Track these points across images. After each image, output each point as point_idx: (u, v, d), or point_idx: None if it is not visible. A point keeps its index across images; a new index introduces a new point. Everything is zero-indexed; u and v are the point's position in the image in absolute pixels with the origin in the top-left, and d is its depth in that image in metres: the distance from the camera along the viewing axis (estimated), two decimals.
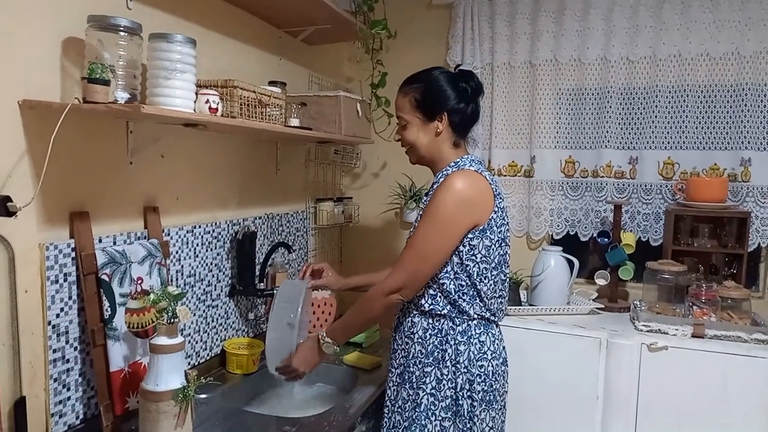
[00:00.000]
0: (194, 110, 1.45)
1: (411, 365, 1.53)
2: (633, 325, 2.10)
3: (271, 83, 1.92)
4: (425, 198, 1.61)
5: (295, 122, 1.90)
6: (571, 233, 2.55)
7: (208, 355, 1.88)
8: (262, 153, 2.18)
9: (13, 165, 1.23)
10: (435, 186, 1.52)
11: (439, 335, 1.50)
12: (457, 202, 1.43)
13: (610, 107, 2.42)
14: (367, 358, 2.00)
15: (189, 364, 1.78)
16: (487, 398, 1.49)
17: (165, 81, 1.38)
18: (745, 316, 2.03)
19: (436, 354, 1.50)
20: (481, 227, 1.46)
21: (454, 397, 1.48)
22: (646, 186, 2.43)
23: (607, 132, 2.43)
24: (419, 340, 1.53)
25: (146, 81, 1.41)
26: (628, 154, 2.44)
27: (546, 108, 2.52)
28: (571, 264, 2.30)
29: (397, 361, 1.59)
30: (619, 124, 2.44)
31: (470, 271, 1.47)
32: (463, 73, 1.57)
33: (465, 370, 1.48)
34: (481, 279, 1.48)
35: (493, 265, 1.50)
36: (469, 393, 1.48)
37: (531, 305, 2.29)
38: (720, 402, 1.89)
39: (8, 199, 1.20)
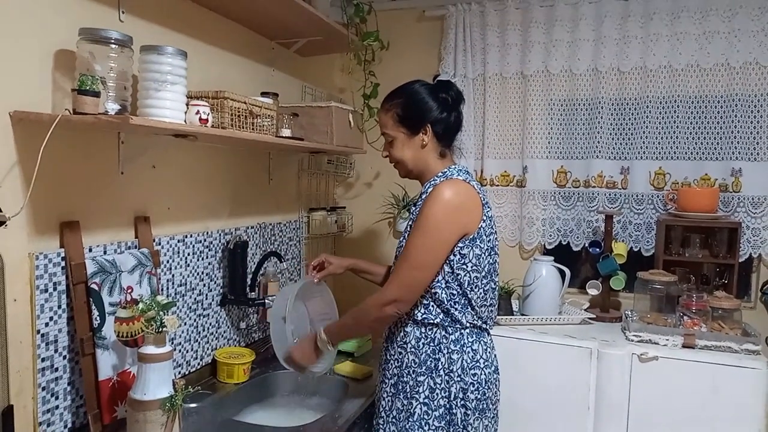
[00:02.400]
0: (185, 121, 1.47)
1: (404, 375, 1.53)
2: (624, 335, 2.10)
3: (264, 94, 1.93)
4: (414, 208, 1.62)
5: (286, 133, 1.92)
6: (563, 243, 2.56)
7: (198, 364, 1.88)
8: (254, 163, 2.20)
9: (4, 176, 1.25)
10: (423, 196, 1.53)
11: (432, 344, 1.51)
12: (446, 210, 1.44)
13: (602, 117, 2.44)
14: (359, 367, 2.00)
15: (180, 373, 1.79)
16: (480, 406, 1.50)
17: (155, 92, 1.39)
18: (736, 327, 2.03)
19: (429, 363, 1.50)
20: (471, 236, 1.47)
21: (447, 406, 1.49)
22: (637, 196, 2.44)
23: (599, 142, 2.45)
24: (412, 349, 1.53)
25: (137, 92, 1.43)
26: (620, 164, 2.45)
27: (538, 118, 2.54)
28: (562, 274, 2.30)
29: (390, 371, 1.59)
30: (611, 134, 2.45)
31: (461, 280, 1.48)
32: (442, 83, 1.59)
33: (458, 379, 1.48)
34: (471, 288, 1.49)
35: (483, 273, 1.51)
36: (462, 402, 1.48)
37: (522, 315, 2.29)
38: (710, 412, 1.88)
39: None
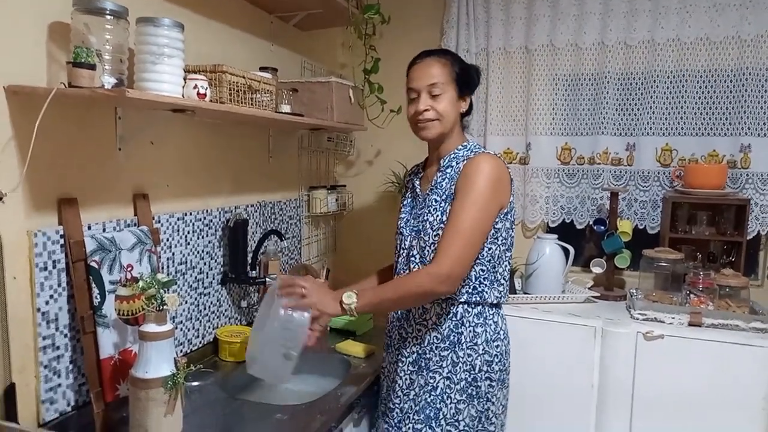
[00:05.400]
0: (182, 95, 1.43)
1: (427, 351, 1.53)
2: (629, 314, 2.09)
3: (262, 69, 1.90)
4: (417, 181, 1.61)
5: (286, 108, 1.89)
6: (567, 221, 2.53)
7: (200, 342, 1.87)
8: (254, 140, 2.16)
9: None
10: (447, 170, 1.52)
11: (454, 319, 1.51)
12: (492, 183, 1.43)
13: (607, 93, 2.39)
14: (361, 346, 1.99)
15: (181, 351, 1.78)
16: (502, 377, 1.53)
17: (152, 66, 1.37)
18: (744, 305, 2.01)
19: (452, 338, 1.50)
20: (505, 210, 1.49)
21: (469, 379, 1.49)
22: (643, 173, 2.41)
23: (604, 118, 2.41)
24: (434, 326, 1.52)
25: (134, 66, 1.40)
26: (625, 141, 2.41)
27: (542, 94, 2.49)
28: (566, 252, 2.28)
29: (408, 349, 1.57)
30: (617, 110, 2.41)
31: (492, 254, 1.49)
32: (472, 65, 1.61)
33: (483, 352, 1.50)
34: (500, 261, 1.51)
35: (507, 246, 1.53)
36: (487, 374, 1.50)
37: (526, 293, 2.28)
38: (716, 391, 1.87)
39: None
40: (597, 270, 2.36)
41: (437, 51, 1.55)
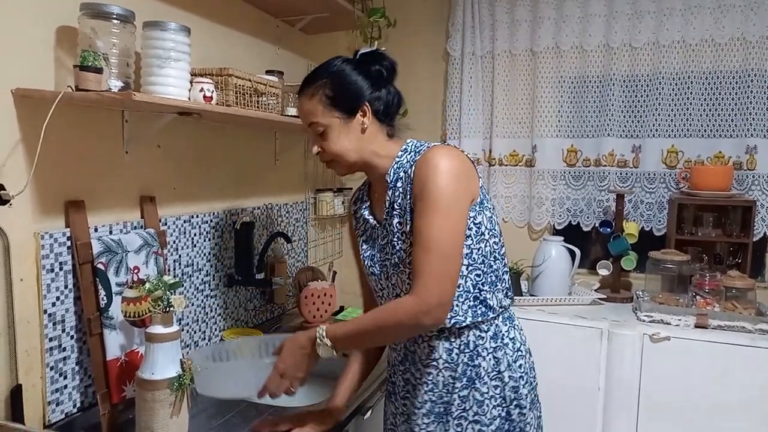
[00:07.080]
0: (188, 98, 1.44)
1: (444, 395, 1.31)
2: (635, 316, 2.08)
3: (269, 72, 1.91)
4: (366, 211, 1.38)
5: (292, 111, 1.89)
6: (573, 223, 2.53)
7: (207, 345, 1.88)
8: (260, 143, 2.17)
9: (7, 154, 1.23)
10: (398, 184, 1.27)
11: (467, 350, 1.29)
12: (454, 180, 1.20)
13: (613, 95, 2.39)
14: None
15: (188, 353, 1.78)
16: (530, 397, 1.33)
17: (159, 69, 1.38)
18: (750, 306, 2.01)
19: (468, 373, 1.29)
20: (478, 200, 1.27)
21: (503, 414, 1.30)
22: (649, 175, 2.40)
23: (610, 120, 2.40)
24: (446, 365, 1.30)
25: (140, 69, 1.41)
26: (631, 143, 2.41)
27: (547, 96, 2.50)
28: (572, 254, 2.28)
29: (420, 397, 1.33)
30: (622, 112, 2.41)
31: (484, 252, 1.28)
32: (371, 54, 1.32)
33: (508, 379, 1.30)
34: (495, 257, 1.31)
35: (497, 237, 1.33)
36: (516, 401, 1.31)
37: (532, 296, 2.27)
38: (723, 393, 1.87)
39: (1, 187, 1.21)
40: (603, 272, 2.36)
41: (308, 79, 1.29)
